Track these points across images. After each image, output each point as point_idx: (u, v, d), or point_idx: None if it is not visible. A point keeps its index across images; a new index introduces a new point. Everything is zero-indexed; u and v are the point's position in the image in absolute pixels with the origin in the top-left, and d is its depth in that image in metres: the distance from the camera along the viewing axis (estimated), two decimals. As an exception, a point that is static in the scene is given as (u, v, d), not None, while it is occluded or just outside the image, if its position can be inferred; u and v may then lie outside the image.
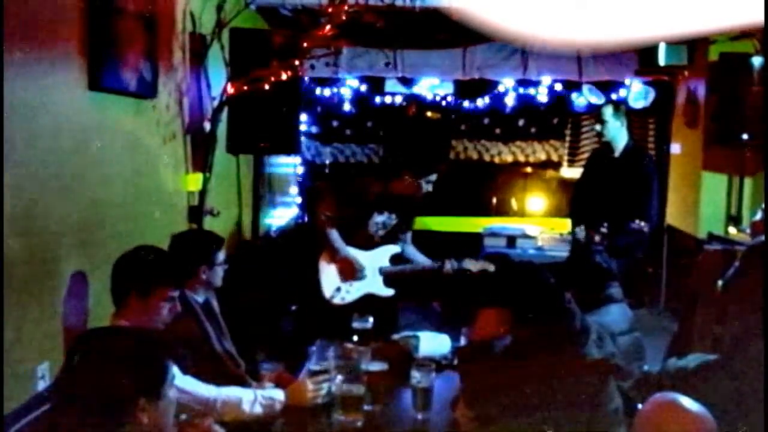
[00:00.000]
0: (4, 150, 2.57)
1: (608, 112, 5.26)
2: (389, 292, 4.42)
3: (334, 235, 4.30)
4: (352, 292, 4.34)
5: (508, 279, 2.69)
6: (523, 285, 2.56)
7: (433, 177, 4.33)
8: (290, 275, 5.02)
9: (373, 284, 4.40)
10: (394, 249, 4.46)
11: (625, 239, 4.66)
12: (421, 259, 4.51)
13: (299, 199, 7.58)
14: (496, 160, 7.98)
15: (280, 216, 7.07)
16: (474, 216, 7.51)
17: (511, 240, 6.37)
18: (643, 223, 4.55)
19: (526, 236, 6.43)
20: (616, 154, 5.30)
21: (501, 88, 7.33)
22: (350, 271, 4.31)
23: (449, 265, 4.26)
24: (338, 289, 4.29)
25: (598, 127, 5.32)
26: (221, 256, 3.20)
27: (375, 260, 4.40)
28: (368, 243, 4.40)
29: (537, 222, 7.15)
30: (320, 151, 7.94)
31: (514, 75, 7.10)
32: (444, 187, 4.71)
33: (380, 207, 4.39)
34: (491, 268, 4.13)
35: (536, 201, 7.81)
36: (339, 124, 7.87)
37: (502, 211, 7.82)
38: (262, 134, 5.15)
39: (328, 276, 4.33)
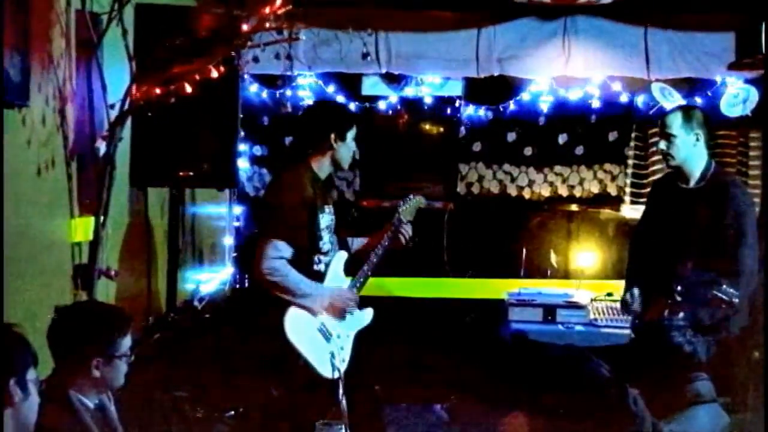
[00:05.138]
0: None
1: (676, 122, 4.19)
2: (369, 314, 3.84)
3: (294, 276, 3.53)
4: (343, 346, 3.64)
5: (541, 372, 2.47)
6: (563, 380, 2.36)
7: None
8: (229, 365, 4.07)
9: (357, 316, 3.75)
10: (343, 255, 3.84)
11: (711, 310, 3.77)
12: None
13: (236, 253, 6.07)
14: (526, 193, 6.84)
15: (209, 278, 5.61)
16: (494, 277, 5.94)
17: (550, 311, 5.15)
18: (731, 289, 3.57)
19: (571, 305, 5.20)
20: (691, 183, 4.25)
21: (533, 89, 6.00)
22: (339, 310, 3.66)
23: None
24: (333, 356, 3.38)
25: (662, 144, 4.27)
26: (125, 342, 2.64)
27: (337, 279, 3.75)
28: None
29: (588, 286, 5.72)
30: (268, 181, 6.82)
31: (552, 70, 5.74)
32: (451, 234, 4.23)
33: (321, 204, 3.75)
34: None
35: (586, 254, 6.30)
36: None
37: (535, 269, 6.28)
38: (182, 158, 4.23)
39: (313, 343, 3.52)
